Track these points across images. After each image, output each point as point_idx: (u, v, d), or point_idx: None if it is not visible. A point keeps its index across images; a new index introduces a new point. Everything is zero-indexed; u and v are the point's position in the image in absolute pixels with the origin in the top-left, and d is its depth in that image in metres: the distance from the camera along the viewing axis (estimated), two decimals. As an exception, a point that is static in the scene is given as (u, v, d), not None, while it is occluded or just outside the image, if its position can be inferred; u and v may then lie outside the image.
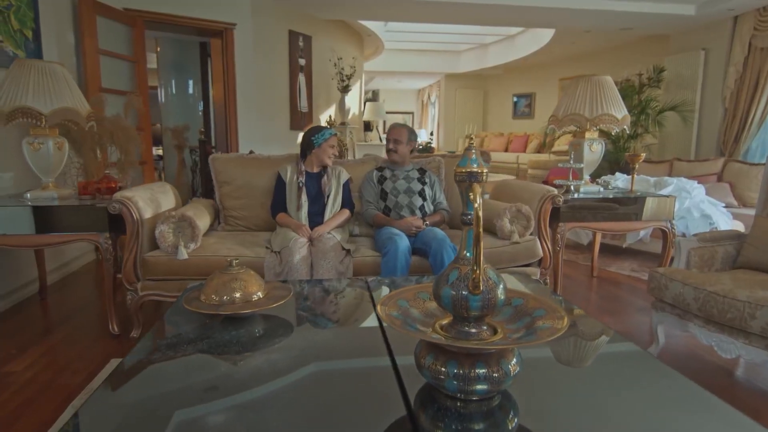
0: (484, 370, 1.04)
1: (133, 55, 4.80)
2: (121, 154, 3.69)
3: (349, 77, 6.84)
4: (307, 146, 2.94)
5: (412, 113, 16.19)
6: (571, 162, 3.17)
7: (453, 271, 1.09)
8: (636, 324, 2.92)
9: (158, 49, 7.85)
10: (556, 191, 2.90)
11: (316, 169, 2.99)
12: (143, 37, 4.90)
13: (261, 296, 1.63)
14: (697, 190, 4.13)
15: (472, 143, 1.11)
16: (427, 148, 13.03)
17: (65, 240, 2.62)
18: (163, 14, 5.02)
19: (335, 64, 6.77)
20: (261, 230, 3.13)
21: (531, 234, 2.89)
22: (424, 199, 3.00)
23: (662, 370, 1.29)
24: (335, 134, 3.00)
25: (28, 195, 2.83)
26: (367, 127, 8.76)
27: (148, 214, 2.63)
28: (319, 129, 2.97)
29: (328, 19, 6.85)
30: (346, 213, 2.96)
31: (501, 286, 1.09)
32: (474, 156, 1.08)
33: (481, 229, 1.03)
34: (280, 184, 2.98)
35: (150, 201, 2.70)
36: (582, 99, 3.18)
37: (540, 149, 10.13)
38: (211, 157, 3.18)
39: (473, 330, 1.12)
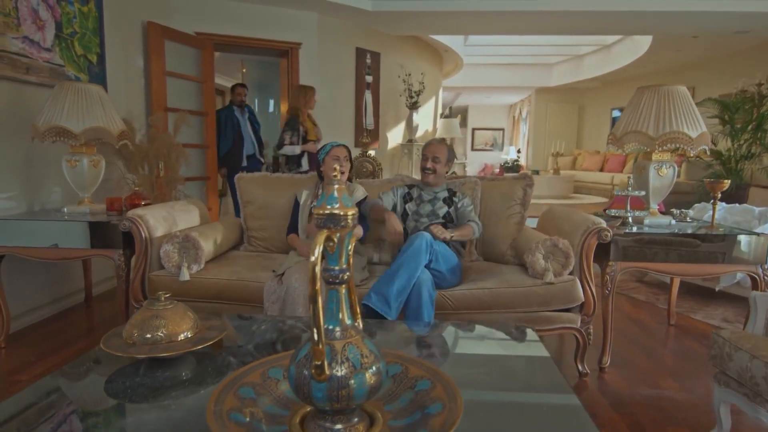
0: (327, 488, 0.76)
1: (201, 75, 5.03)
2: (168, 171, 3.84)
3: (418, 94, 6.64)
4: (318, 166, 2.79)
5: (503, 130, 15.55)
6: (629, 189, 2.65)
7: (307, 344, 0.83)
8: (705, 394, 2.33)
9: (243, 70, 8.30)
10: (603, 224, 2.42)
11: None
12: (212, 59, 5.13)
13: (190, 336, 1.46)
14: (817, 225, 3.31)
15: (336, 177, 0.84)
16: (515, 167, 12.39)
17: (80, 255, 2.71)
18: (231, 36, 5.23)
19: (404, 81, 6.62)
20: (281, 252, 3.01)
21: (570, 274, 2.44)
22: (449, 222, 2.68)
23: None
24: (340, 145, 2.77)
25: (65, 209, 2.98)
26: (443, 144, 8.48)
27: (159, 232, 2.63)
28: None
29: (399, 35, 6.73)
30: (359, 230, 2.65)
31: (372, 368, 0.80)
32: (335, 192, 0.81)
33: (318, 287, 0.75)
34: (296, 207, 2.86)
35: (164, 220, 2.70)
36: (646, 114, 2.66)
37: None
38: (237, 177, 3.14)
39: (338, 426, 0.84)
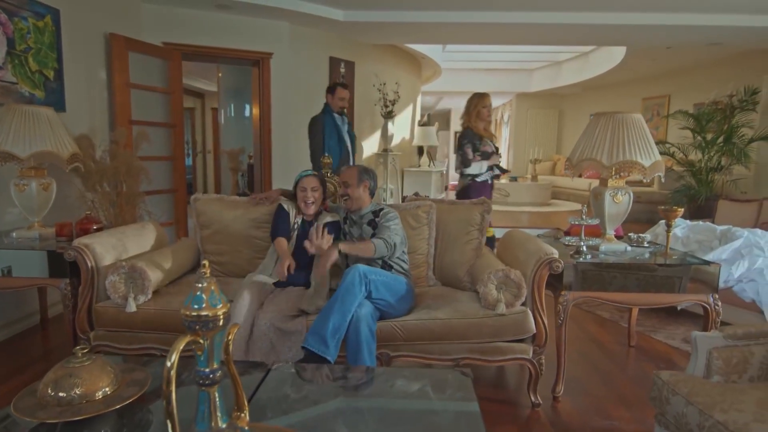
0: None
1: (169, 87, 4.94)
2: (129, 187, 3.76)
3: (393, 103, 6.61)
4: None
5: (485, 133, 15.56)
6: (583, 217, 2.65)
7: (176, 449, 0.79)
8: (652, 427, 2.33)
9: (219, 74, 8.19)
10: (555, 254, 2.41)
11: (309, 217, 2.76)
12: (180, 70, 5.04)
13: (109, 392, 1.42)
14: (775, 247, 3.34)
15: (204, 272, 0.80)
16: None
17: (25, 285, 2.63)
18: (200, 47, 5.14)
19: (379, 90, 6.58)
20: (237, 276, 2.95)
21: (523, 304, 2.43)
22: None
23: None
24: (309, 175, 2.73)
25: (14, 234, 2.90)
26: (421, 151, 8.45)
27: (107, 260, 2.56)
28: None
29: (375, 44, 6.69)
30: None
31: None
32: (201, 293, 0.77)
33: (171, 388, 0.72)
34: (281, 213, 2.78)
35: (113, 247, 2.63)
36: (600, 141, 2.66)
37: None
38: (193, 197, 3.08)
39: None
